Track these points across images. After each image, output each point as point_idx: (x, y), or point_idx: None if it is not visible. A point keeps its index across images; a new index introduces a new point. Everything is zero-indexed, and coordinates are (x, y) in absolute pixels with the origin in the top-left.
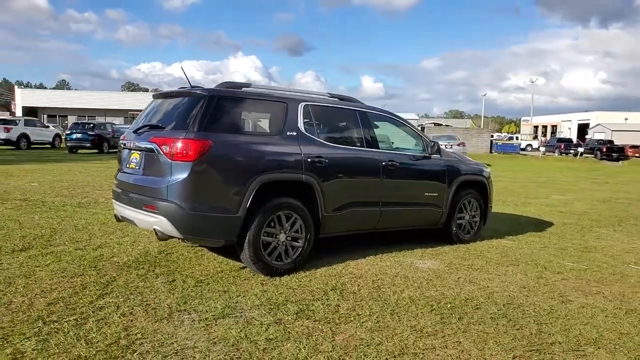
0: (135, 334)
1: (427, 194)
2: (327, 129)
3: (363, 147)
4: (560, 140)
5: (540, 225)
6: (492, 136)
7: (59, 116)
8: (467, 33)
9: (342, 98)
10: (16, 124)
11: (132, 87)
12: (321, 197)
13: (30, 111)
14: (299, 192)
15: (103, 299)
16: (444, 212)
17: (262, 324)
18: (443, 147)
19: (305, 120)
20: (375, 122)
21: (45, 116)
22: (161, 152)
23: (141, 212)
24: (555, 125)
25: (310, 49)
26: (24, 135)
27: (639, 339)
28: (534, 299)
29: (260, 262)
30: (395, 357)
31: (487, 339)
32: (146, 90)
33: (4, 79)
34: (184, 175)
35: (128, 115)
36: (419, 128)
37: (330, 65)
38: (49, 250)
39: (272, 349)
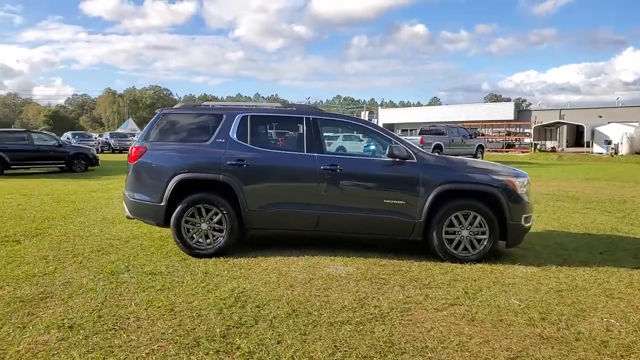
0: (46, 269)
1: (387, 201)
2: (263, 136)
3: (301, 151)
4: None
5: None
6: None
7: (409, 130)
8: None
9: (299, 107)
10: None
11: (494, 98)
12: (242, 195)
13: (388, 127)
14: (221, 190)
15: (86, 254)
16: (418, 223)
17: (114, 280)
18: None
19: (239, 129)
20: (328, 128)
21: (399, 130)
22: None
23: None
24: None
25: None
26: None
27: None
28: (324, 308)
29: (182, 243)
30: (96, 309)
31: (173, 326)
32: (508, 100)
33: (372, 99)
34: (130, 172)
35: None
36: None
37: None
38: (120, 224)
39: (89, 289)
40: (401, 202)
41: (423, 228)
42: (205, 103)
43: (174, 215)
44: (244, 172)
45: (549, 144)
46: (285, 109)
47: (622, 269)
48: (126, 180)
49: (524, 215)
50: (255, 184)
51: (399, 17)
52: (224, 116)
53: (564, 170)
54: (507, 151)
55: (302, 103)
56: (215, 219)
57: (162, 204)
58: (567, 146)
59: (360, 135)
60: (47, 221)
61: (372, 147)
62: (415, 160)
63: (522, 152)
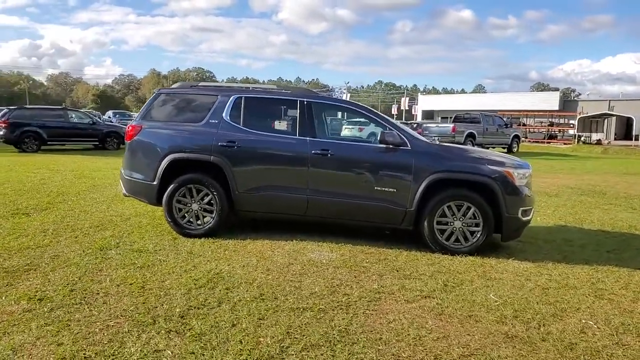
0: (41, 242)
1: (378, 188)
2: (256, 117)
3: (294, 135)
4: None
5: None
6: None
7: (449, 117)
8: None
9: (293, 90)
10: None
11: (541, 87)
12: (232, 176)
13: (428, 114)
14: (212, 171)
15: (85, 229)
16: (409, 212)
17: (100, 256)
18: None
19: (233, 110)
20: (323, 112)
21: (439, 117)
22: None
23: None
24: None
25: None
26: None
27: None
28: (292, 294)
29: (172, 222)
30: (70, 283)
31: (142, 301)
32: (556, 89)
33: (414, 85)
34: (126, 150)
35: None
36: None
37: None
38: (128, 201)
39: (73, 263)
40: (392, 189)
41: (414, 217)
42: (202, 83)
43: (165, 194)
44: (234, 153)
45: (595, 136)
46: (279, 91)
47: (624, 268)
48: (123, 158)
49: (521, 208)
50: (245, 166)
51: (444, 2)
52: (219, 97)
53: (603, 163)
54: (549, 142)
55: (340, 87)
56: (206, 199)
57: (155, 183)
58: (615, 139)
59: (356, 120)
60: (60, 196)
61: (362, 133)
62: (409, 148)
63: (565, 143)
